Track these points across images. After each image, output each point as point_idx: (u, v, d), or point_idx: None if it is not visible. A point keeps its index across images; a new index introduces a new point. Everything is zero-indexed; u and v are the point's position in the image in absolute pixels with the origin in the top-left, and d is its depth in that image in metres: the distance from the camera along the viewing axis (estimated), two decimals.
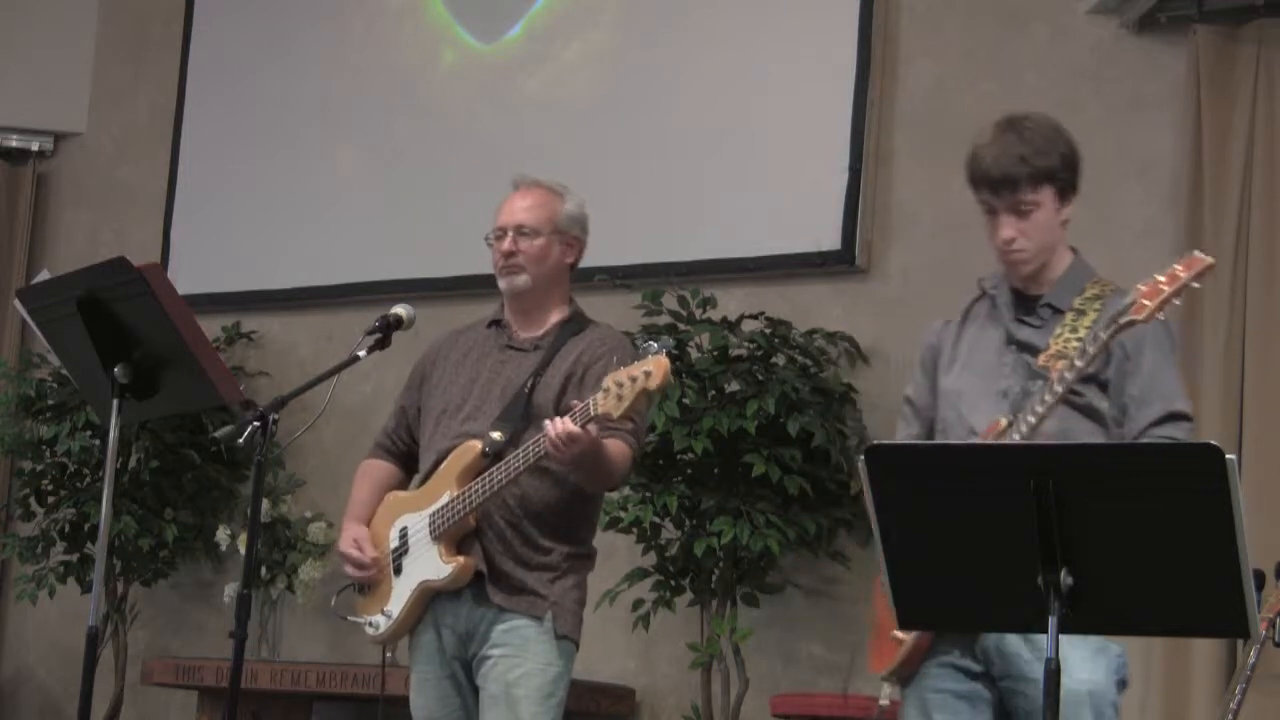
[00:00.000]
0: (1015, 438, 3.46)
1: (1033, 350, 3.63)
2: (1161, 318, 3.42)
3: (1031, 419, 3.48)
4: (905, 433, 3.85)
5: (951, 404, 3.72)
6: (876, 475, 2.95)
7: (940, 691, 3.60)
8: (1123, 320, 3.41)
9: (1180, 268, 3.40)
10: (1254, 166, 5.73)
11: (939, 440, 3.70)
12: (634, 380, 3.69)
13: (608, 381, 3.73)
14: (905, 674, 3.66)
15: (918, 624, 3.16)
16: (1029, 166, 3.61)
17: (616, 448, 3.98)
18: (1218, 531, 2.77)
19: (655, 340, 3.78)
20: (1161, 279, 3.40)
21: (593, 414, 3.75)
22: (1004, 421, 3.54)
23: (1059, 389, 3.46)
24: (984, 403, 3.65)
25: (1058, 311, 3.66)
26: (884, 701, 3.74)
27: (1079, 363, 3.45)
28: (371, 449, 4.36)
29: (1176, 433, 3.57)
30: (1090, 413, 3.59)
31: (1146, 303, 3.39)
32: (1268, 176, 5.72)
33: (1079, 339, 3.55)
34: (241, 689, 3.97)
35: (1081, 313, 3.62)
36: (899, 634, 3.57)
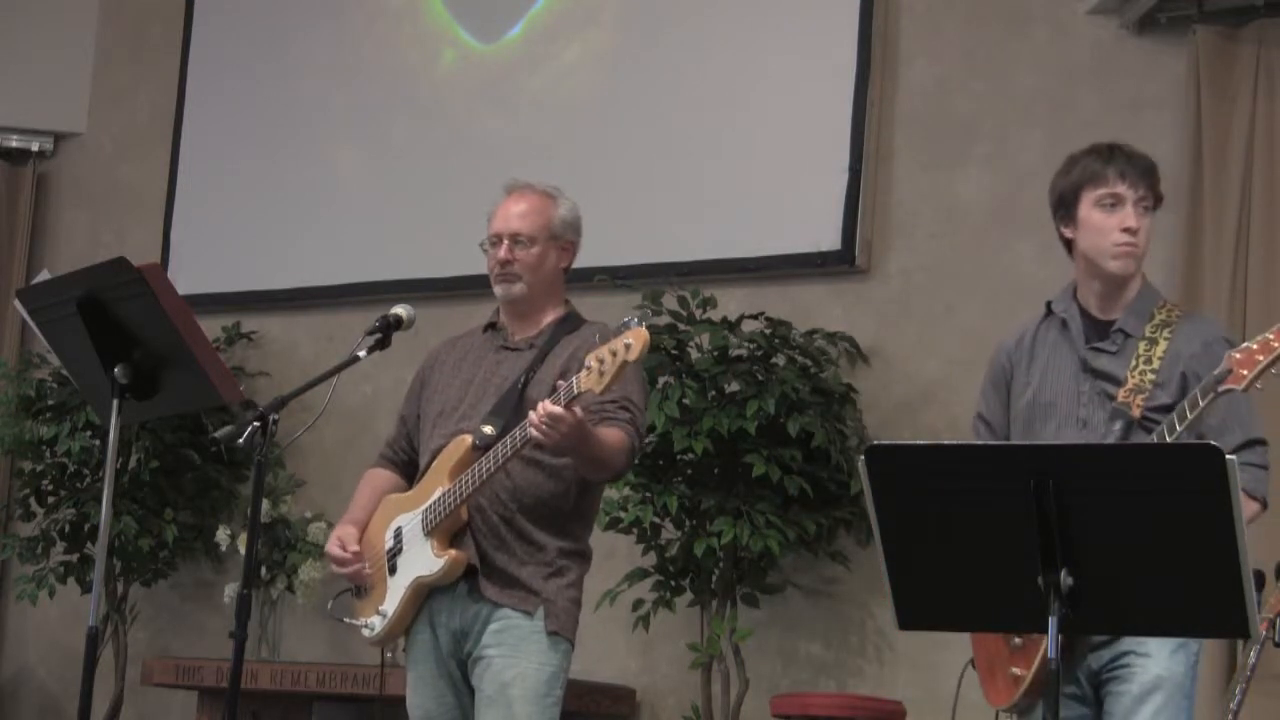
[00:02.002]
0: None
1: (1110, 379, 3.72)
2: (1260, 387, 3.47)
3: None
4: None
5: (1031, 430, 3.79)
6: (876, 475, 2.95)
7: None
8: (1220, 389, 3.46)
9: (1273, 336, 3.45)
10: (1254, 166, 5.73)
11: None
12: (614, 354, 3.67)
13: (589, 359, 3.71)
14: (1025, 705, 3.69)
15: (918, 624, 3.16)
16: (1153, 168, 3.79)
17: (613, 434, 3.97)
18: (1218, 532, 2.77)
19: (635, 315, 3.75)
20: (1255, 346, 3.46)
21: (577, 391, 3.73)
22: None
23: (1170, 438, 3.52)
24: (1064, 430, 3.74)
25: (1130, 337, 3.76)
26: None
27: (1179, 426, 3.50)
28: (375, 459, 4.36)
29: (1253, 458, 3.67)
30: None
31: (1244, 372, 3.44)
32: (1268, 176, 5.72)
33: (1154, 371, 3.68)
34: (241, 689, 3.97)
35: (1154, 341, 3.73)
36: (1017, 670, 3.61)
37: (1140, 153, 3.82)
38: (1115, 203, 3.75)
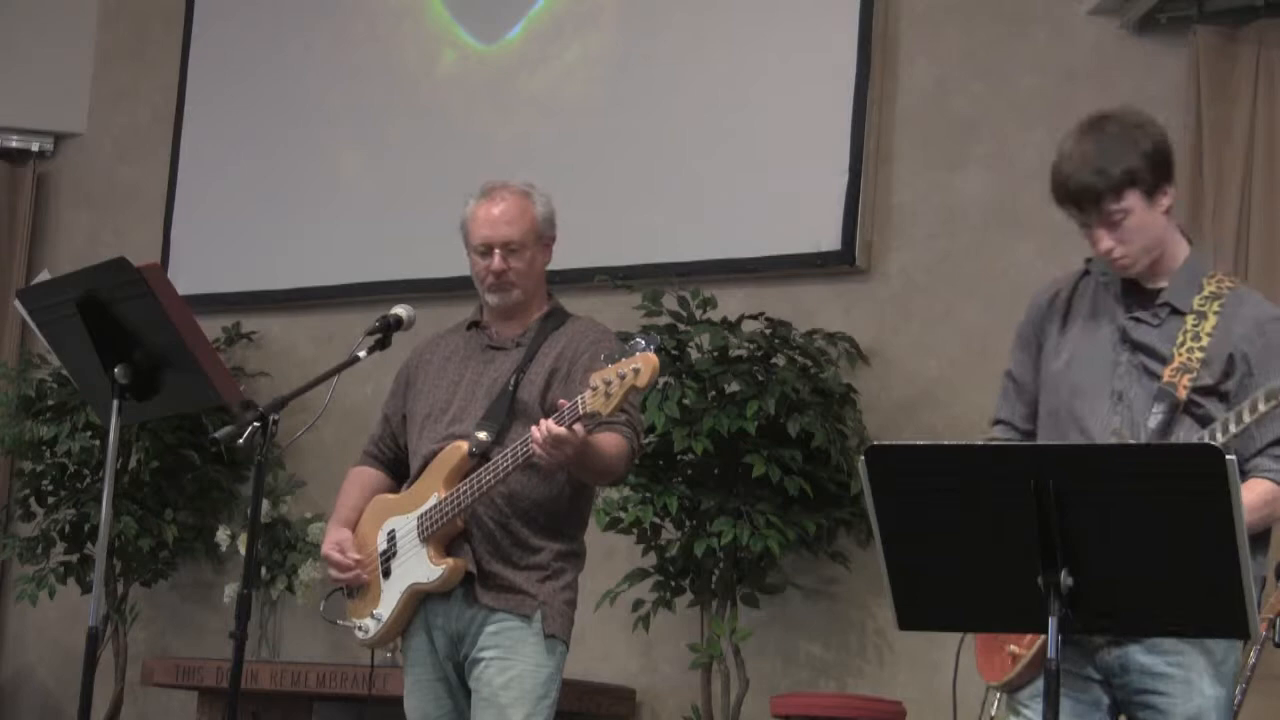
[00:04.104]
0: None
1: (1151, 353, 3.51)
2: None
3: None
4: (1008, 410, 3.71)
5: (1061, 398, 3.58)
6: (876, 476, 2.95)
7: (1037, 697, 3.40)
8: None
9: None
10: (1254, 166, 5.73)
11: (1046, 423, 3.59)
12: (622, 378, 3.67)
13: (595, 379, 3.71)
14: (1018, 684, 3.51)
15: (917, 624, 3.15)
16: (1106, 177, 3.44)
17: (612, 441, 3.97)
18: (1218, 532, 2.77)
19: (643, 337, 3.75)
20: None
21: (581, 412, 3.74)
22: (1128, 435, 3.43)
23: (1221, 438, 3.34)
24: (1097, 403, 3.52)
25: (1176, 311, 3.52)
26: (994, 712, 3.65)
27: (1233, 427, 3.33)
28: (359, 457, 4.36)
29: None
30: (1209, 424, 3.44)
31: None
32: (1268, 176, 5.73)
33: (1202, 349, 3.46)
34: (241, 689, 3.97)
35: (1202, 315, 3.49)
36: (1015, 648, 3.47)
37: (1090, 159, 3.45)
38: (1085, 227, 3.52)
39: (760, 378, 5.94)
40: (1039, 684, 3.38)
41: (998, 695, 3.59)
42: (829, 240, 6.41)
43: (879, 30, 6.46)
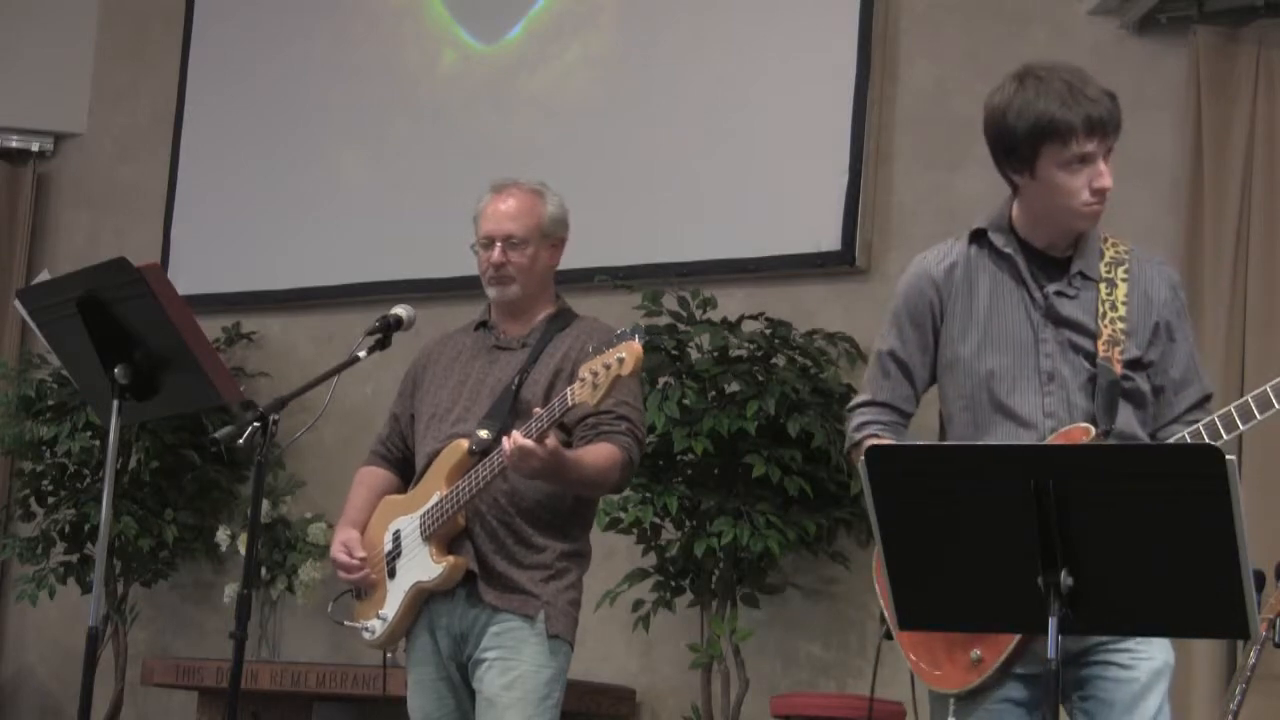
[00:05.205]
0: None
1: (1075, 327, 3.35)
2: None
3: None
4: (887, 391, 3.50)
5: (976, 383, 3.40)
6: (876, 476, 2.95)
7: (1004, 701, 3.37)
8: None
9: None
10: (1254, 166, 5.73)
11: (961, 417, 3.46)
12: (608, 367, 3.68)
13: (583, 371, 3.72)
14: (980, 690, 3.37)
15: (917, 624, 3.15)
16: (1119, 108, 3.35)
17: (600, 453, 3.95)
18: (1218, 532, 2.77)
19: (628, 327, 3.74)
20: None
21: (570, 404, 3.74)
22: (1093, 431, 3.31)
23: (1226, 437, 3.26)
24: (1025, 385, 3.36)
25: (1087, 279, 3.39)
26: (951, 717, 3.51)
27: (1241, 425, 3.25)
28: (367, 456, 4.36)
29: (1202, 415, 3.38)
30: (1137, 398, 3.38)
31: None
32: (1268, 176, 5.72)
33: (1122, 319, 3.33)
34: (241, 689, 3.97)
35: (1112, 283, 3.37)
36: (979, 652, 3.33)
37: (1097, 85, 3.36)
38: (1084, 161, 3.31)
39: (760, 378, 5.94)
40: (1008, 689, 3.35)
41: (951, 702, 3.40)
42: (829, 240, 6.41)
43: (879, 30, 6.46)
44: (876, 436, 3.50)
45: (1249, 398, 3.31)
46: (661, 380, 5.96)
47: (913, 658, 3.46)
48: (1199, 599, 2.87)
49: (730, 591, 6.01)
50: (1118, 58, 6.07)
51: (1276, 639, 4.42)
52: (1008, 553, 2.90)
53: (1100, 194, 3.34)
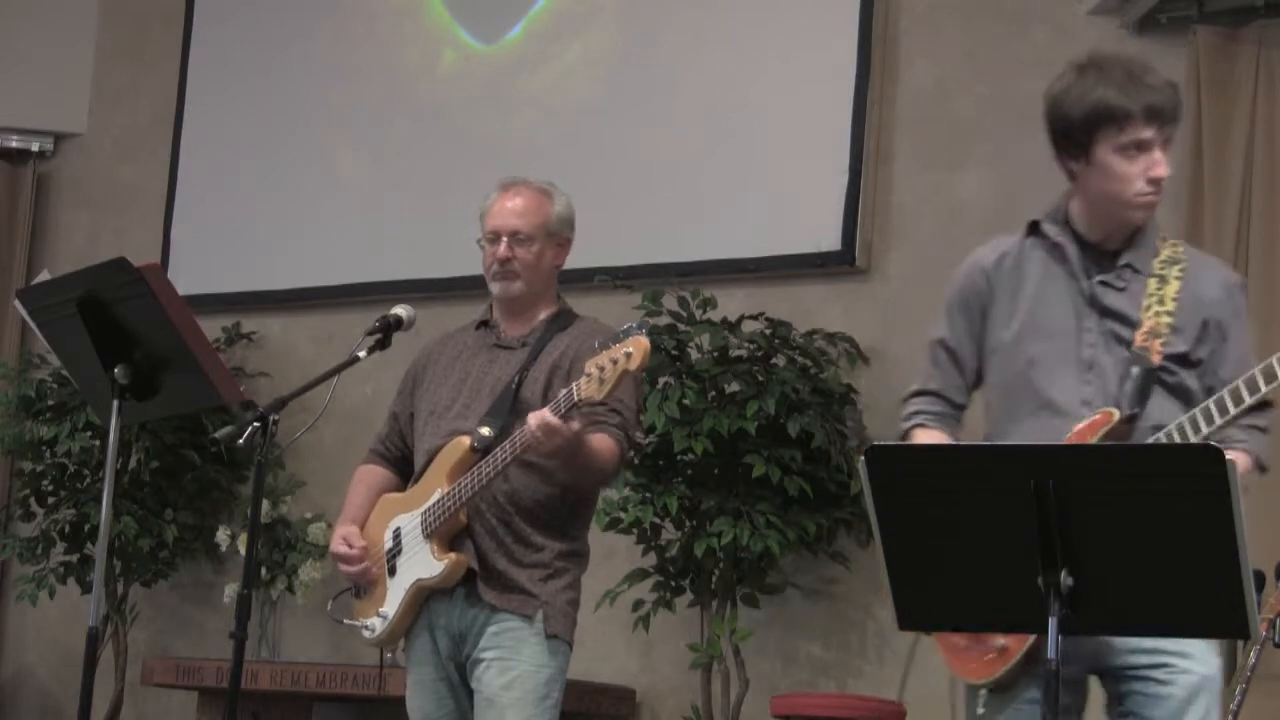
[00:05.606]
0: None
1: (1121, 318, 3.36)
2: None
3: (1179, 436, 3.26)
4: (940, 380, 3.55)
5: (1015, 369, 3.41)
6: (877, 476, 2.95)
7: (1033, 702, 3.31)
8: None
9: None
10: (1254, 166, 5.73)
11: (998, 405, 3.47)
12: (615, 363, 3.68)
13: (589, 366, 3.72)
14: (1007, 681, 3.34)
15: (918, 624, 3.16)
16: (1180, 100, 3.36)
17: (603, 443, 3.97)
18: (1218, 532, 2.77)
19: (634, 323, 3.75)
20: None
21: (576, 399, 3.74)
22: (1115, 414, 3.30)
23: (1219, 420, 3.24)
24: (1064, 373, 3.36)
25: (1137, 273, 3.39)
26: (980, 710, 3.48)
27: (1232, 408, 3.22)
28: (366, 455, 4.36)
29: (1260, 421, 3.37)
30: (1181, 393, 3.36)
31: None
32: (1268, 176, 5.73)
33: (1169, 314, 3.33)
34: (241, 689, 3.96)
35: (1163, 279, 3.36)
36: (1004, 641, 3.31)
37: (1159, 75, 3.36)
38: (1140, 148, 3.32)
39: (760, 378, 5.94)
40: (1036, 690, 3.30)
41: (981, 694, 3.39)
42: (829, 240, 6.41)
43: (879, 30, 6.46)
44: (924, 427, 3.53)
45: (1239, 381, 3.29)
46: (661, 380, 5.96)
47: (943, 648, 3.45)
48: (1199, 599, 2.87)
49: (730, 591, 6.01)
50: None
51: (1276, 639, 4.42)
52: (1008, 553, 2.90)
53: (1156, 183, 3.34)
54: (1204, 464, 2.75)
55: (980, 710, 3.40)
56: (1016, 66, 6.26)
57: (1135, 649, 3.31)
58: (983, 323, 3.50)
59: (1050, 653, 2.88)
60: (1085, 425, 3.34)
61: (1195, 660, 3.29)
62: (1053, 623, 2.86)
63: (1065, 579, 2.85)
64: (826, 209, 6.40)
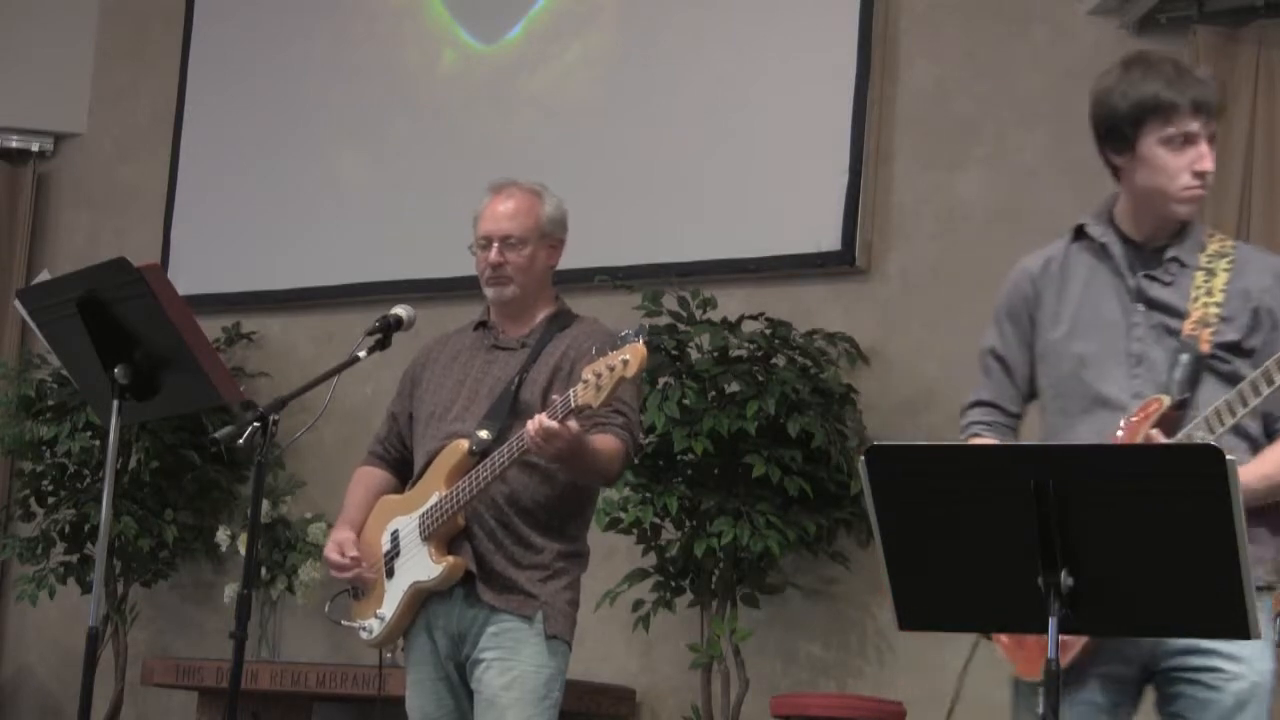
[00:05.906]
0: (1199, 436, 3.22)
1: (1169, 310, 3.36)
2: None
3: (1219, 425, 3.24)
4: (993, 390, 3.55)
5: (1066, 369, 3.42)
6: (877, 476, 2.95)
7: (1088, 704, 3.33)
8: None
9: None
10: (1254, 166, 5.73)
11: (1053, 406, 3.47)
12: (612, 369, 3.69)
13: (586, 373, 3.73)
14: (1070, 675, 3.26)
15: (918, 624, 3.15)
16: (1219, 97, 3.37)
17: (606, 442, 3.97)
18: (1218, 532, 2.76)
19: (632, 329, 3.75)
20: None
21: (573, 405, 3.74)
22: (1166, 400, 3.30)
23: (1253, 401, 3.22)
24: (1114, 368, 3.37)
25: (1184, 267, 3.39)
26: (1040, 710, 3.44)
27: (1252, 399, 3.22)
28: (365, 456, 4.36)
29: None
30: (1235, 381, 3.31)
31: None
32: (1268, 176, 5.73)
33: (1218, 304, 3.33)
34: (241, 689, 3.97)
35: (1211, 272, 3.36)
36: (1065, 638, 3.20)
37: (1205, 71, 3.38)
38: (1187, 141, 3.32)
39: (760, 378, 5.94)
40: (1090, 691, 3.31)
41: (1041, 692, 3.42)
42: (829, 240, 6.41)
43: (879, 30, 6.46)
44: (978, 436, 3.53)
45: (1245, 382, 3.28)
46: (661, 380, 5.96)
47: (1004, 642, 3.42)
48: (1199, 599, 2.87)
49: (730, 591, 6.01)
50: (1118, 58, 6.05)
51: (1277, 639, 4.42)
52: (1008, 553, 2.90)
53: (1202, 177, 3.36)
54: (1204, 464, 2.75)
55: (1040, 710, 3.37)
56: (1016, 66, 6.26)
57: (1189, 649, 3.29)
58: (1032, 329, 3.51)
59: (1050, 652, 2.88)
60: (1137, 415, 3.33)
61: (1246, 664, 3.25)
62: (1053, 623, 2.86)
63: (1065, 579, 2.85)
64: (826, 209, 6.40)
